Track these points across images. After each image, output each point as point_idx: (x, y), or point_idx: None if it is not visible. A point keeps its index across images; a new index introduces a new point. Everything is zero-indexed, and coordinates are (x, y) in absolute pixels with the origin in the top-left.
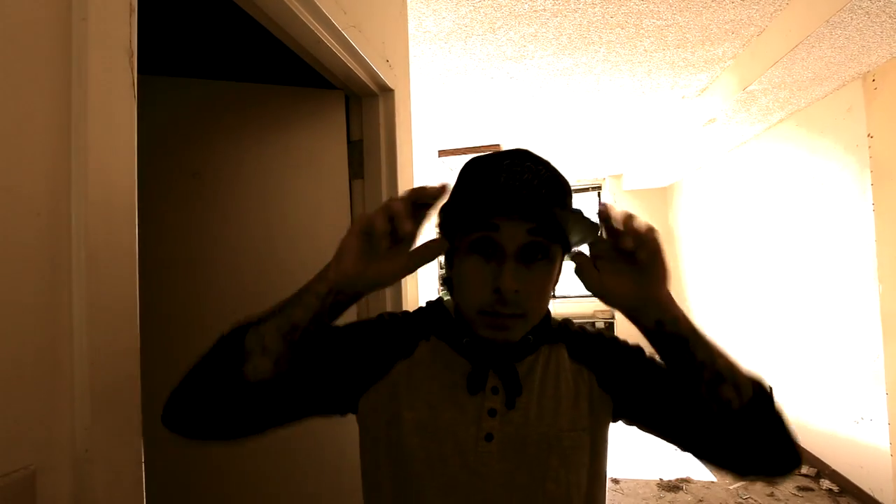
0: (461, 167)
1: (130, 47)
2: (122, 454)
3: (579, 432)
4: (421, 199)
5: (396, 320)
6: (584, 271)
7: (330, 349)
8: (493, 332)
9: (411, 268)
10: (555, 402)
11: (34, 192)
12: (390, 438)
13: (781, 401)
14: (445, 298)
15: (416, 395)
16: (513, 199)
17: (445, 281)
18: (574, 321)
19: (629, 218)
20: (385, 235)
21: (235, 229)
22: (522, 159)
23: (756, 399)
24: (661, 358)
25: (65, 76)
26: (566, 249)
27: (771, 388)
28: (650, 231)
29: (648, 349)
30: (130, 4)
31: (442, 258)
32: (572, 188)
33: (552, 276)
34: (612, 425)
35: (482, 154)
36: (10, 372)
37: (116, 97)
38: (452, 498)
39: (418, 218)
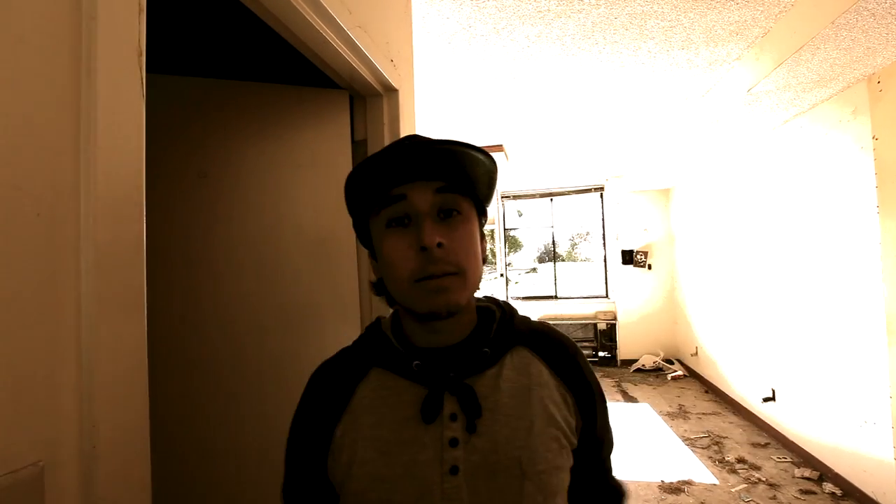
0: (347, 179)
1: (139, 46)
2: (128, 450)
3: (554, 452)
4: None
5: (326, 374)
6: None
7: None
8: (434, 298)
9: None
10: (528, 422)
11: (43, 190)
12: (348, 497)
13: (786, 402)
14: (384, 318)
15: (365, 445)
16: (411, 161)
17: (376, 286)
18: (551, 325)
19: None
20: None
21: (240, 228)
22: (412, 138)
23: None
24: None
25: (74, 75)
26: (481, 211)
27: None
28: None
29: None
30: (140, 4)
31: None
32: (574, 190)
33: (473, 233)
34: None
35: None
36: (18, 369)
37: (125, 96)
38: None
39: None
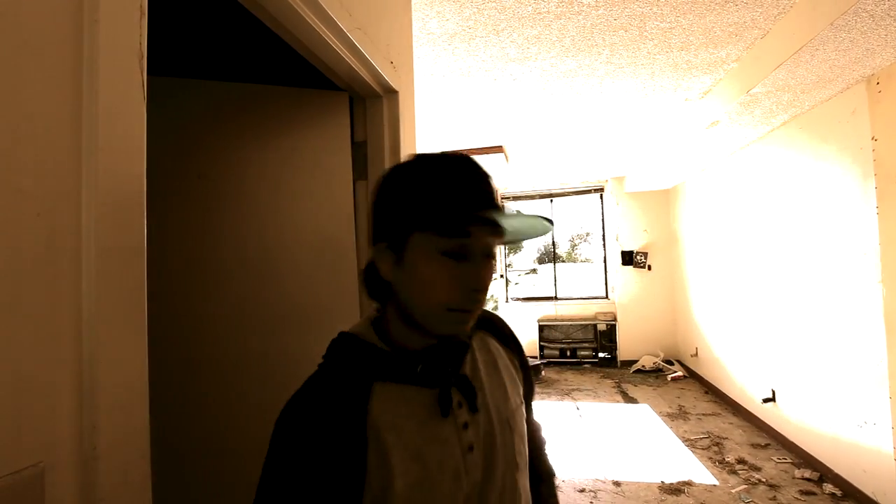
0: (410, 170)
1: (140, 49)
2: (129, 452)
3: (520, 406)
4: None
5: (319, 413)
6: None
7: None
8: (458, 327)
9: None
10: (501, 390)
11: (45, 192)
12: None
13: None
14: (356, 333)
15: (399, 460)
16: (486, 209)
17: (374, 282)
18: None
19: None
20: None
21: (240, 230)
22: (475, 168)
23: None
24: None
25: (76, 78)
26: None
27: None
28: None
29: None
30: (141, 7)
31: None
32: (574, 191)
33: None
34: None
35: (430, 157)
36: (19, 371)
37: (127, 99)
38: None
39: None
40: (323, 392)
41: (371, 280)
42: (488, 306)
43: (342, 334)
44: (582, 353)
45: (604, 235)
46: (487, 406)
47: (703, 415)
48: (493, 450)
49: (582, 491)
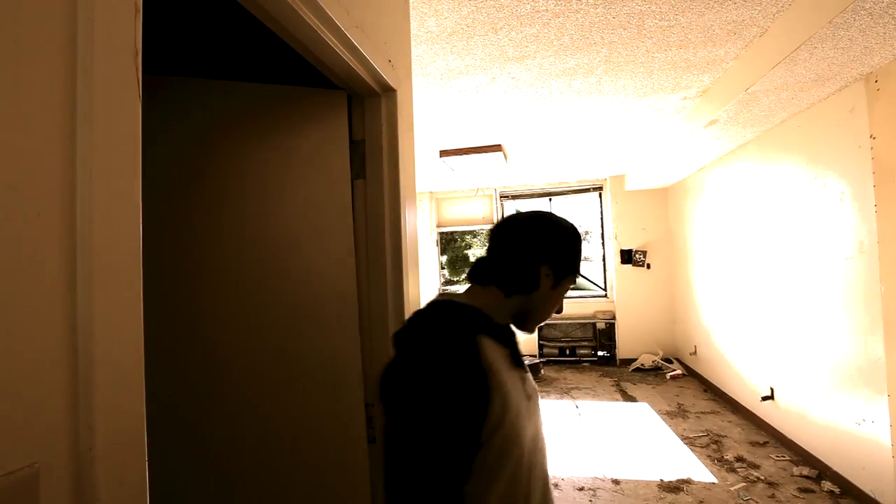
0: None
1: (135, 47)
2: (125, 452)
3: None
4: None
5: (452, 359)
6: None
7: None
8: (536, 329)
9: None
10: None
11: (39, 191)
12: (506, 428)
13: (785, 400)
14: (460, 300)
15: (507, 390)
16: None
17: (517, 282)
18: None
19: None
20: None
21: (239, 229)
22: None
23: None
24: None
25: (70, 76)
26: None
27: None
28: None
29: None
30: (136, 4)
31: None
32: (573, 189)
33: None
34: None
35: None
36: (14, 370)
37: (121, 97)
38: (537, 456)
39: None
40: (446, 339)
41: (504, 275)
42: None
43: (442, 301)
44: (581, 351)
45: (602, 234)
46: (528, 373)
47: (702, 413)
48: (535, 405)
49: (581, 489)
